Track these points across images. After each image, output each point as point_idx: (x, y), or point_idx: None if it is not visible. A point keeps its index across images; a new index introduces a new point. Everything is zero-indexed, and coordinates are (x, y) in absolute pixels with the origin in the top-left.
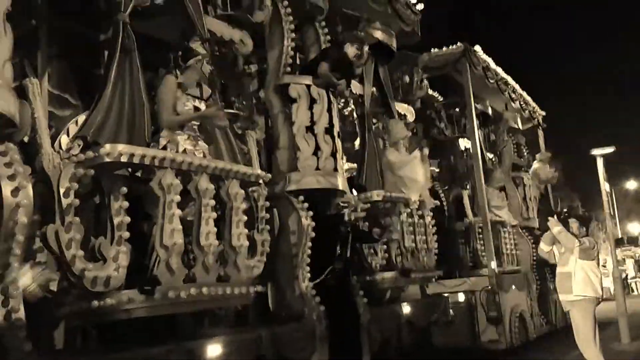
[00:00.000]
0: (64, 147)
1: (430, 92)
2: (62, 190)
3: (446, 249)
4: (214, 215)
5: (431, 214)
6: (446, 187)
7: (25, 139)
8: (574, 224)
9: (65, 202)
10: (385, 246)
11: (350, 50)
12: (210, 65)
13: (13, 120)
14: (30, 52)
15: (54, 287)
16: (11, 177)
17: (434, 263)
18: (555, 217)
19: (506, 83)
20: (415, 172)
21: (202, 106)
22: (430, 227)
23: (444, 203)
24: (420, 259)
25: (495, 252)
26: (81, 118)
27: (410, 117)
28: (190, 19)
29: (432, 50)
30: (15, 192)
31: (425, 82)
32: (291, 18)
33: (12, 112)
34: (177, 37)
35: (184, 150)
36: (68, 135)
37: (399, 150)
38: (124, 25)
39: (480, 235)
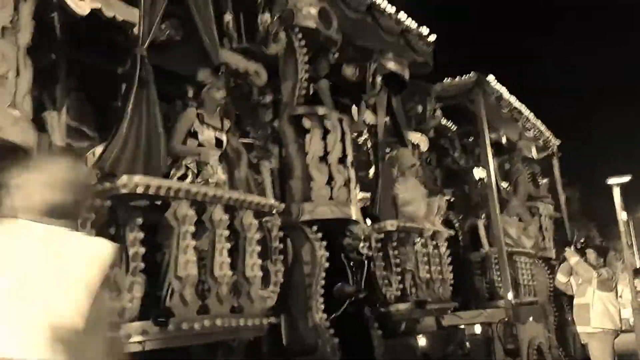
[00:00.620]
0: None
1: (443, 121)
2: (78, 222)
3: (462, 279)
4: (228, 245)
5: (446, 244)
6: (461, 217)
7: None
8: (591, 254)
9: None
10: (399, 277)
11: (348, 70)
12: (221, 91)
13: (32, 153)
14: (49, 85)
15: None
16: None
17: (449, 294)
18: (572, 247)
19: (520, 112)
20: (419, 209)
21: (223, 137)
22: (445, 257)
23: (459, 233)
24: (435, 290)
25: (512, 283)
26: (98, 150)
27: (424, 147)
28: (207, 52)
29: (445, 80)
30: None
31: (439, 111)
32: (305, 50)
33: (31, 145)
34: (193, 69)
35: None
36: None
37: (407, 180)
38: (142, 58)
39: (497, 266)
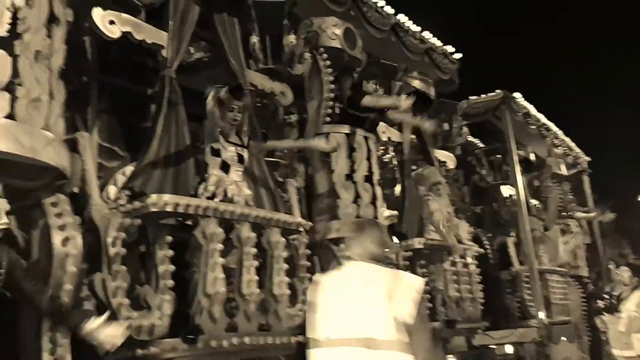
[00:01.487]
0: (111, 197)
1: (470, 138)
2: (109, 240)
3: (492, 298)
4: (256, 263)
5: (475, 262)
6: (490, 235)
7: (75, 189)
8: (625, 272)
9: (112, 251)
10: (428, 295)
11: (369, 86)
12: (236, 112)
13: (64, 173)
14: (81, 106)
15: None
16: (61, 228)
17: (479, 313)
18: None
19: (548, 129)
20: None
21: (245, 153)
22: (475, 275)
23: (488, 251)
24: (465, 309)
25: (544, 302)
26: (129, 169)
27: (451, 164)
28: (233, 74)
29: (471, 97)
30: (65, 242)
31: (465, 129)
32: (330, 70)
33: (64, 165)
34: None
35: (230, 198)
36: (116, 186)
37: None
38: (170, 80)
39: (528, 284)
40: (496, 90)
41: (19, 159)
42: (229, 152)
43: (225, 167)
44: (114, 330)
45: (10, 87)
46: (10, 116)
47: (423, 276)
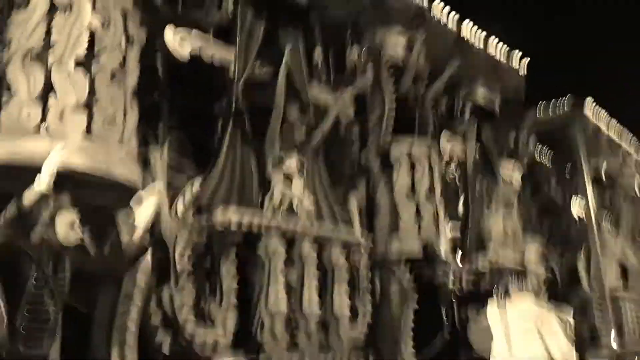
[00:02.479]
0: (179, 211)
1: (538, 150)
2: (177, 255)
3: None
4: (316, 282)
5: (544, 287)
6: (558, 255)
7: None
8: None
9: (179, 266)
10: None
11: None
12: (302, 130)
13: (137, 188)
14: (152, 123)
15: (165, 349)
16: None
17: None
18: None
19: (621, 141)
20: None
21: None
22: None
23: (556, 272)
24: None
25: (616, 329)
26: (196, 184)
27: (518, 176)
28: (296, 89)
29: (540, 103)
30: None
31: (533, 140)
32: (392, 82)
33: (136, 180)
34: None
35: (294, 211)
36: (184, 199)
37: (500, 215)
38: (237, 97)
39: (599, 309)
40: (567, 95)
41: (94, 175)
42: (291, 164)
43: (287, 180)
44: None
45: (87, 106)
46: (87, 133)
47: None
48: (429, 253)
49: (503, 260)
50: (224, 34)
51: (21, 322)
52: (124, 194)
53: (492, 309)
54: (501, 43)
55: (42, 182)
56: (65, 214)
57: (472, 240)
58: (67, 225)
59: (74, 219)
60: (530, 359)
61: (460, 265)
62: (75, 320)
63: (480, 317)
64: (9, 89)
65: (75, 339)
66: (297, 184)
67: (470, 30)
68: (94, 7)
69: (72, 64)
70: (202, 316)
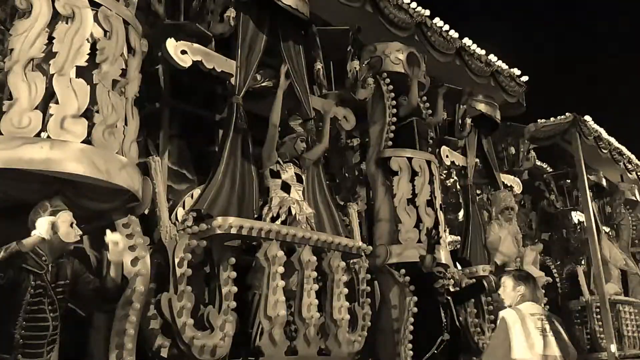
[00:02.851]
0: (179, 219)
1: (538, 162)
2: (176, 260)
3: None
4: (316, 287)
5: (543, 291)
6: (558, 262)
7: (146, 211)
8: None
9: (179, 271)
10: (493, 325)
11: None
12: (304, 143)
13: (136, 195)
14: (153, 131)
15: (164, 353)
16: (132, 248)
17: None
18: None
19: (621, 153)
20: (513, 254)
21: (304, 177)
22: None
23: (557, 279)
24: None
25: (615, 334)
26: (196, 192)
27: (517, 189)
28: (298, 99)
29: (539, 120)
30: (134, 261)
31: (532, 153)
32: (393, 94)
33: (137, 188)
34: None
35: (294, 216)
36: (184, 208)
37: (500, 224)
38: (237, 106)
39: (598, 315)
40: (566, 113)
41: (94, 182)
42: (289, 173)
43: (286, 188)
44: None
45: (88, 114)
46: (88, 141)
47: (488, 305)
48: (429, 259)
49: (503, 267)
50: (226, 44)
51: (20, 332)
52: (124, 201)
53: (508, 310)
54: (500, 61)
55: (43, 230)
56: (64, 214)
57: (472, 247)
58: (67, 224)
59: (72, 218)
60: (547, 356)
61: (460, 271)
62: (73, 323)
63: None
64: (10, 97)
65: (74, 342)
66: (296, 192)
67: (470, 47)
68: (95, 17)
69: (73, 73)
70: (201, 321)
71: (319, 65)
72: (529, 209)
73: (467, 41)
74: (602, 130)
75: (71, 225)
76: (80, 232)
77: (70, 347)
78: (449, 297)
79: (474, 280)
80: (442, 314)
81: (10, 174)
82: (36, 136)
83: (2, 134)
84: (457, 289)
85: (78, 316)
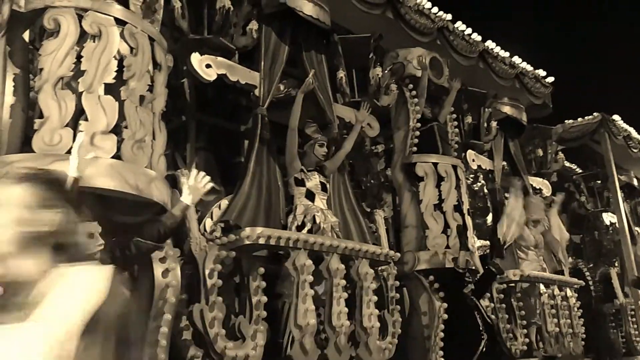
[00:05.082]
0: (207, 229)
1: (567, 164)
2: (207, 271)
3: (594, 333)
4: (345, 295)
5: (576, 294)
6: (591, 265)
7: None
8: None
9: (209, 282)
10: (525, 330)
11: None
12: (324, 147)
13: (166, 208)
14: (180, 144)
15: None
16: (162, 260)
17: (581, 349)
18: None
19: None
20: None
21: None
22: (576, 309)
23: (590, 282)
24: (565, 345)
25: None
26: (224, 203)
27: (547, 192)
28: (321, 107)
29: (567, 121)
30: (165, 273)
31: (561, 154)
32: (416, 100)
33: (166, 201)
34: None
35: (318, 224)
36: (212, 219)
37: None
38: (262, 117)
39: (634, 319)
40: (594, 113)
41: (124, 196)
42: (313, 182)
43: (310, 196)
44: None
45: (117, 130)
46: (117, 156)
47: (520, 310)
48: (458, 265)
49: (534, 272)
50: (249, 56)
51: None
52: (154, 214)
53: None
54: (525, 62)
55: (73, 169)
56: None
57: (501, 253)
58: (86, 235)
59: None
60: None
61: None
62: None
63: None
64: (41, 116)
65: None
66: (320, 200)
67: (493, 49)
68: (122, 35)
69: (101, 90)
70: (233, 331)
71: (341, 74)
72: (559, 211)
73: (490, 44)
74: (631, 130)
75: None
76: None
77: None
78: (473, 298)
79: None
80: (478, 318)
81: None
82: (67, 153)
83: (35, 152)
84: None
85: None
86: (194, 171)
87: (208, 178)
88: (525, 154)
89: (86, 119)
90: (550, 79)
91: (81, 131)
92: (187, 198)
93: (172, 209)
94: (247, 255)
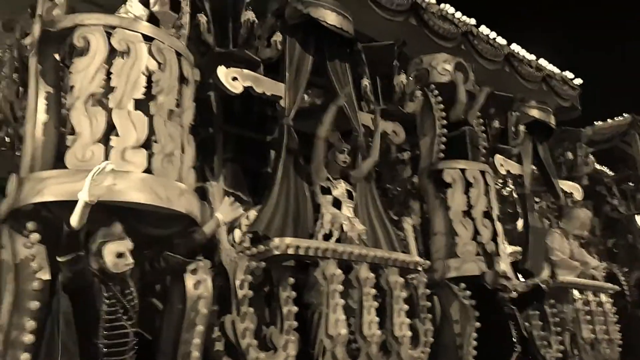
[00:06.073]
0: (236, 240)
1: (597, 166)
2: (237, 283)
3: (631, 339)
4: (376, 304)
5: (611, 300)
6: (626, 270)
7: None
8: None
9: (240, 293)
10: (559, 337)
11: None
12: (344, 154)
13: (196, 220)
14: (208, 156)
15: None
16: (194, 272)
17: (617, 356)
18: None
19: None
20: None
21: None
22: (611, 314)
23: (625, 287)
24: (601, 351)
25: None
26: (252, 213)
27: (578, 195)
28: (346, 116)
29: (596, 123)
30: (196, 285)
31: (591, 157)
32: (442, 106)
33: (196, 213)
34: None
35: (346, 233)
36: (240, 230)
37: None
38: (288, 128)
39: None
40: (623, 114)
41: (155, 209)
42: (339, 190)
43: (337, 204)
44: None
45: (147, 144)
46: (148, 170)
47: (554, 317)
48: (490, 275)
49: (567, 278)
50: (274, 67)
51: (103, 342)
52: (184, 226)
53: None
54: (551, 65)
55: (85, 194)
56: (110, 245)
57: (533, 258)
58: (113, 255)
59: (123, 249)
60: None
61: (522, 282)
62: (140, 346)
63: None
64: (72, 132)
65: None
66: (347, 209)
67: (519, 53)
68: (149, 51)
69: (131, 105)
70: (264, 341)
71: (365, 82)
72: (592, 215)
73: (515, 47)
74: None
75: (119, 255)
76: (131, 262)
77: None
78: (514, 307)
79: (533, 286)
80: (511, 327)
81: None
82: None
83: (68, 168)
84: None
85: (145, 340)
86: (227, 199)
87: (237, 204)
88: (554, 158)
89: (117, 135)
90: (578, 81)
91: (107, 162)
92: (219, 216)
93: (203, 227)
94: (277, 266)
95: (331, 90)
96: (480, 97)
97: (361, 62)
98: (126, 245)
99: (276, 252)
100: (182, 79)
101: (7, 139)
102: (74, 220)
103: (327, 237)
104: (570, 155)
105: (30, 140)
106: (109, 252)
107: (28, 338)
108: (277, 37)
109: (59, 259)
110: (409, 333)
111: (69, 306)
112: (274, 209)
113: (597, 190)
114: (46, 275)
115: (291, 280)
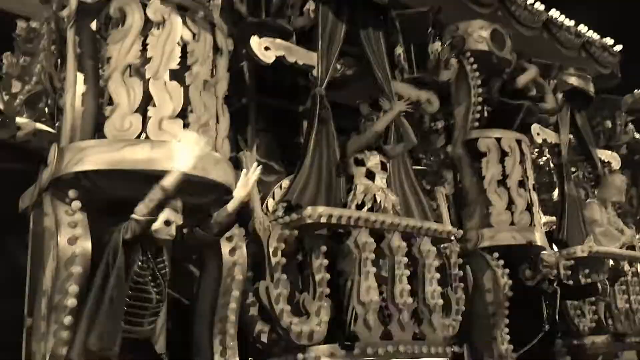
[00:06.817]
0: (270, 209)
1: (637, 135)
2: (271, 250)
3: None
4: (407, 272)
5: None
6: None
7: None
8: None
9: (274, 260)
10: (593, 307)
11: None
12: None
13: (231, 189)
14: (241, 126)
15: (264, 338)
16: (229, 239)
17: None
18: None
19: None
20: (613, 232)
21: (388, 165)
22: None
23: None
24: (636, 322)
25: None
26: (285, 183)
27: (616, 165)
28: (379, 86)
29: (636, 91)
30: (232, 251)
31: (631, 125)
32: (477, 74)
33: (231, 182)
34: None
35: (379, 203)
36: (273, 199)
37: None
38: (321, 97)
39: None
40: None
41: (192, 179)
42: (373, 161)
43: (370, 176)
44: None
45: (182, 114)
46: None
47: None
48: (523, 242)
49: (603, 247)
50: (306, 36)
51: (126, 303)
52: (220, 195)
53: None
54: (591, 31)
55: (183, 165)
56: (167, 210)
57: (568, 228)
58: (163, 220)
59: (173, 218)
60: None
61: (557, 252)
62: (179, 311)
63: None
64: (111, 102)
65: (180, 329)
66: (380, 180)
67: (557, 19)
68: (184, 22)
69: (167, 76)
70: (297, 307)
71: (399, 50)
72: (629, 184)
73: (554, 12)
74: None
75: (167, 223)
76: (174, 234)
77: (176, 333)
78: (557, 288)
79: (590, 282)
80: (544, 303)
81: (114, 175)
82: (137, 138)
83: (107, 137)
84: (571, 282)
85: (183, 305)
86: (243, 172)
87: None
88: (592, 126)
89: (154, 105)
90: (618, 47)
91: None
92: (237, 192)
93: (226, 206)
94: (309, 234)
95: (363, 59)
96: (530, 72)
97: (395, 30)
98: (177, 217)
99: (309, 221)
100: (216, 49)
101: (46, 110)
102: (171, 185)
103: (360, 207)
104: (609, 123)
105: (70, 110)
106: (162, 215)
107: (71, 302)
108: (310, 5)
109: (135, 217)
110: (441, 301)
111: (122, 262)
112: (307, 179)
113: (635, 160)
114: (87, 242)
115: (324, 248)
